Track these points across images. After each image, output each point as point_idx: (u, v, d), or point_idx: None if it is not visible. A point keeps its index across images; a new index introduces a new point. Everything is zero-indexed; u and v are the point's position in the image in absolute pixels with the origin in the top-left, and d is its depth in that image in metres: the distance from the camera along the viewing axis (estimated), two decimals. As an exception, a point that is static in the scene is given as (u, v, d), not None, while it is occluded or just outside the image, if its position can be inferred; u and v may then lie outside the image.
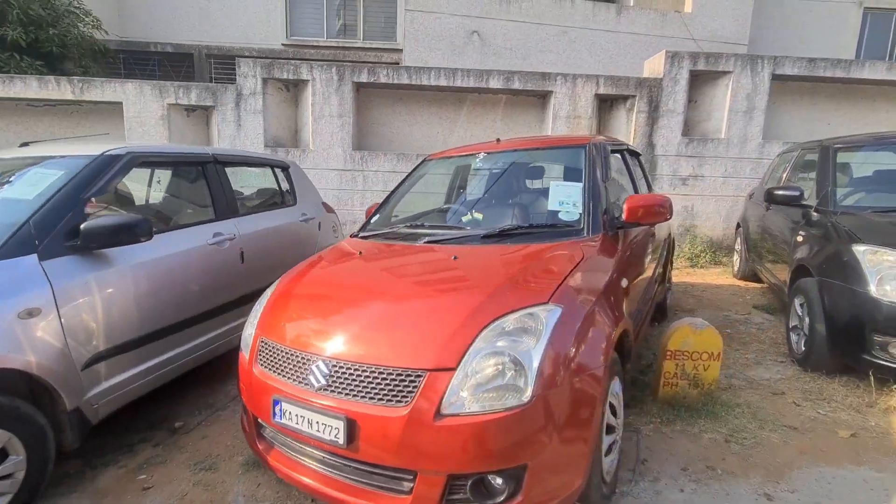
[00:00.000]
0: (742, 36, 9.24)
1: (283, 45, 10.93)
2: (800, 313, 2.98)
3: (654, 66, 6.39)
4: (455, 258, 1.93)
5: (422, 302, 1.72)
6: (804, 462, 1.98)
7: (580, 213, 2.11)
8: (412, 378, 1.39)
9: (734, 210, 6.43)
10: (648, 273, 2.70)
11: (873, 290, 2.37)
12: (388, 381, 1.42)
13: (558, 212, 2.15)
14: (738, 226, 5.40)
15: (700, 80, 6.49)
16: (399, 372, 1.41)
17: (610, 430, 1.70)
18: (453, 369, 1.37)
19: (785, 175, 4.18)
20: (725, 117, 6.27)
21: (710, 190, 6.40)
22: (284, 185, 3.83)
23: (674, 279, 5.33)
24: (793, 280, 3.20)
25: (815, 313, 2.72)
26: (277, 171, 3.81)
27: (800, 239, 3.18)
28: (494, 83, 6.18)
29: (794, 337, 3.08)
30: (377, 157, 6.27)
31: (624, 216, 2.14)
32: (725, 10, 9.10)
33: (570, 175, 2.36)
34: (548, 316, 1.47)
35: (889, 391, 2.44)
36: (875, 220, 2.75)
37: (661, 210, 2.14)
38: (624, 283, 2.00)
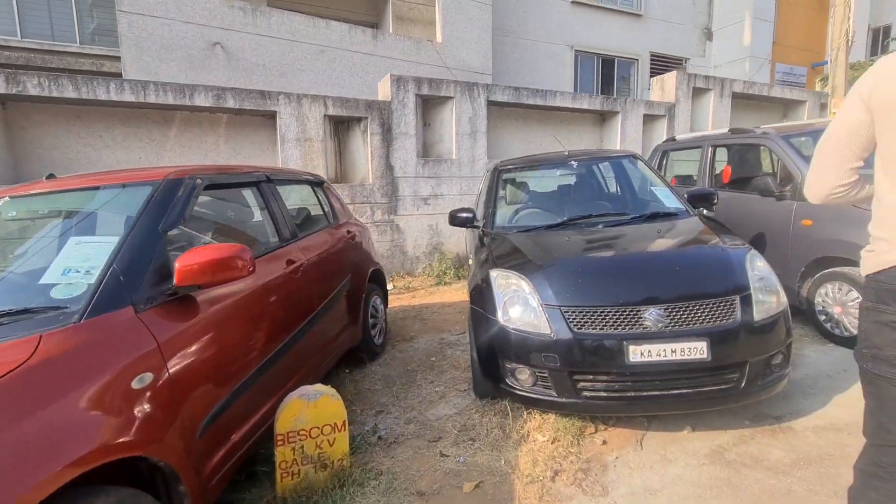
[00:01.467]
0: (486, 67, 10.28)
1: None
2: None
3: (384, 90, 6.39)
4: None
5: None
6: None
7: (88, 285, 1.47)
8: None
9: (473, 225, 6.85)
10: (285, 331, 2.23)
11: (500, 315, 2.35)
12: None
13: (54, 287, 1.47)
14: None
15: (430, 105, 6.76)
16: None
17: None
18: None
19: (481, 195, 4.39)
20: (454, 139, 6.64)
21: (450, 208, 6.65)
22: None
23: (415, 301, 5.25)
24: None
25: (471, 340, 2.66)
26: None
27: (472, 263, 3.20)
28: (202, 100, 5.27)
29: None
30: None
31: (175, 280, 1.58)
32: (469, 42, 9.99)
33: (106, 227, 1.72)
34: None
35: (523, 420, 2.47)
36: (515, 241, 2.85)
37: (230, 265, 1.65)
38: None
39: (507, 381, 2.34)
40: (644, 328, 2.10)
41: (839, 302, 3.17)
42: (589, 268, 2.37)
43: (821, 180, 1.30)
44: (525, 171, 3.73)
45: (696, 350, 2.05)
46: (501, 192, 3.47)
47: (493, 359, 2.40)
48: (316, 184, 3.39)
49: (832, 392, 2.58)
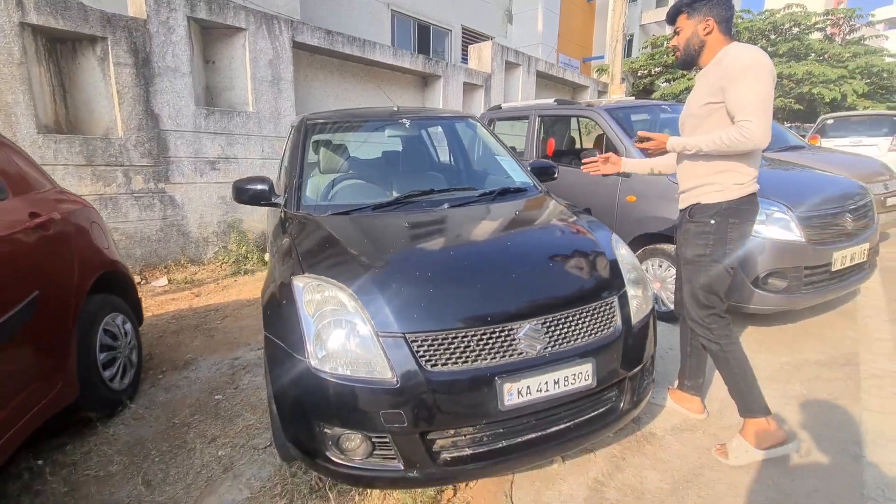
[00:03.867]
0: (294, 10, 8.53)
1: None
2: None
3: (137, 5, 4.47)
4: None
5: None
6: None
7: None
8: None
9: (281, 197, 5.58)
10: None
11: (311, 352, 1.47)
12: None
13: None
14: (273, 220, 4.45)
15: (215, 37, 5.10)
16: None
17: None
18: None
19: (283, 160, 3.28)
20: (250, 86, 5.16)
21: (249, 174, 5.25)
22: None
23: (198, 302, 3.87)
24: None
25: (268, 388, 1.72)
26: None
27: (269, 261, 2.18)
28: None
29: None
30: None
31: None
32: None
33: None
34: None
35: (354, 497, 1.70)
36: (331, 228, 1.95)
37: None
38: None
39: (325, 454, 1.50)
40: (519, 354, 1.50)
41: (659, 278, 3.24)
42: (440, 271, 1.65)
43: (768, 129, 1.65)
44: (342, 129, 2.79)
45: (582, 376, 1.56)
46: (312, 158, 2.48)
47: (303, 421, 1.52)
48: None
49: (669, 378, 2.51)
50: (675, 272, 3.00)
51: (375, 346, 1.45)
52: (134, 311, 2.63)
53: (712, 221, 1.84)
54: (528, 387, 1.48)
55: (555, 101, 4.22)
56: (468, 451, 1.50)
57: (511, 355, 1.50)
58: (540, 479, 1.81)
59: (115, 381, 2.29)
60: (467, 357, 1.46)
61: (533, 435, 1.57)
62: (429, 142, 2.93)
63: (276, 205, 2.37)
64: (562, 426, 1.61)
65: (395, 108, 2.78)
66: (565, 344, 1.57)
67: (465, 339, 1.47)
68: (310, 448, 1.54)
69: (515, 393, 1.46)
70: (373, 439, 1.46)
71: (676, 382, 2.28)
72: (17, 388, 1.64)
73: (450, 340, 1.46)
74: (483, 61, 8.65)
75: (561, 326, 1.58)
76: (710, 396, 2.35)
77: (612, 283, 1.78)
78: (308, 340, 1.50)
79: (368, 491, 1.72)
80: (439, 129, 2.89)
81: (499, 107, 5.06)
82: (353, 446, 1.48)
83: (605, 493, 1.74)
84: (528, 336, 1.52)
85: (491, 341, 1.49)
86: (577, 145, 5.43)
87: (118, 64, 4.20)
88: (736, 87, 1.67)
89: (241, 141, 5.14)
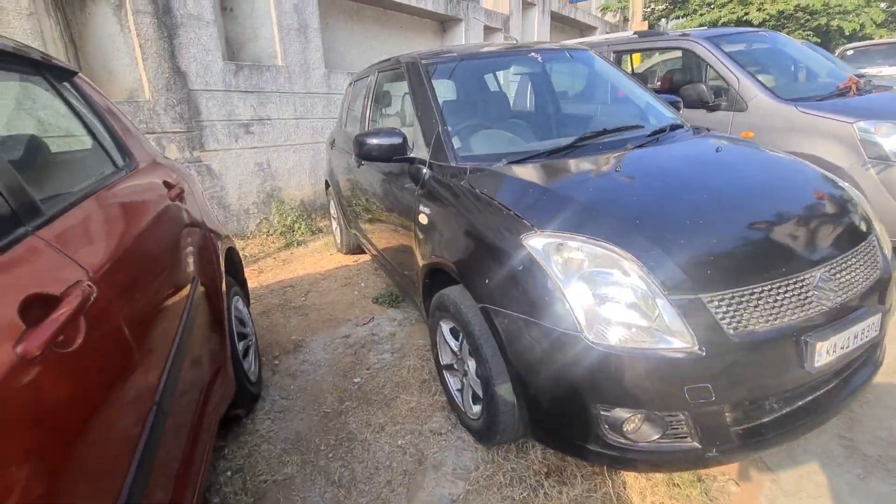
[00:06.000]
0: None
1: None
2: (455, 349, 1.76)
3: (145, -62, 3.82)
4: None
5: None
6: None
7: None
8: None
9: (318, 161, 5.14)
10: None
11: (582, 324, 1.22)
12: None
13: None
14: (328, 184, 4.06)
15: (229, -22, 4.48)
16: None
17: None
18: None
19: (367, 113, 2.89)
20: (277, 36, 4.61)
21: (283, 138, 4.80)
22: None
23: (266, 279, 3.55)
24: (430, 286, 1.95)
25: (488, 366, 1.47)
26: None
27: (423, 219, 1.88)
28: None
29: (454, 385, 1.87)
30: None
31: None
32: None
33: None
34: None
35: (593, 481, 1.50)
36: (535, 176, 1.66)
37: None
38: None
39: (605, 438, 1.28)
40: (818, 308, 1.29)
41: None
42: (709, 221, 1.39)
43: None
44: (464, 70, 2.40)
45: (873, 326, 1.36)
46: (442, 103, 2.12)
47: (572, 404, 1.29)
48: (53, 74, 1.42)
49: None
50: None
51: (668, 312, 1.21)
52: (245, 291, 2.32)
53: None
54: (835, 344, 1.27)
55: (634, 33, 3.85)
56: (766, 420, 1.31)
57: (809, 309, 1.28)
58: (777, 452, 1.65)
59: (250, 371, 2.01)
60: (769, 315, 1.24)
61: (820, 392, 1.38)
62: (560, 80, 2.57)
63: (410, 160, 2.05)
64: (841, 380, 1.43)
65: (515, 41, 2.40)
66: (852, 290, 1.35)
67: (764, 296, 1.24)
68: (576, 433, 1.32)
69: (825, 352, 1.25)
70: (666, 418, 1.24)
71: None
72: (204, 385, 1.36)
73: (747, 299, 1.23)
74: (500, 2, 8.04)
75: (846, 272, 1.36)
76: None
77: (866, 218, 1.57)
78: (574, 310, 1.24)
79: (618, 473, 1.53)
80: (569, 61, 2.52)
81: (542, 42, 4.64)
82: (638, 427, 1.27)
83: (860, 448, 1.59)
84: (821, 286, 1.30)
85: (789, 295, 1.26)
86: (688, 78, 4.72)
87: (137, 12, 3.62)
88: None
89: (274, 99, 4.64)
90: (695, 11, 11.03)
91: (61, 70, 1.42)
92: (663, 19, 12.32)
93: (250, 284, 3.44)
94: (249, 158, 4.52)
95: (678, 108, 2.50)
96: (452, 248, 1.66)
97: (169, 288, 1.26)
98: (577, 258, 1.30)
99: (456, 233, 1.66)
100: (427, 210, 1.85)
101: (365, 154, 2.01)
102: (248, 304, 2.37)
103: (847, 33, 9.58)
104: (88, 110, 1.50)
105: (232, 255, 2.09)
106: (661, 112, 2.28)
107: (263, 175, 4.67)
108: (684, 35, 3.45)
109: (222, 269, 1.75)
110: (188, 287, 1.37)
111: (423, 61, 2.25)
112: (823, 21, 9.92)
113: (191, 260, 1.44)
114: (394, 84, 2.77)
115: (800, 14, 10.24)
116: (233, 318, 1.86)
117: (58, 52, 3.43)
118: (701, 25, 10.56)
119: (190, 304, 1.33)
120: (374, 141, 1.99)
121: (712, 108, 3.26)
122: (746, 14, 9.80)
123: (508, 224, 1.45)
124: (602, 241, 1.30)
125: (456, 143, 1.93)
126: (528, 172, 1.69)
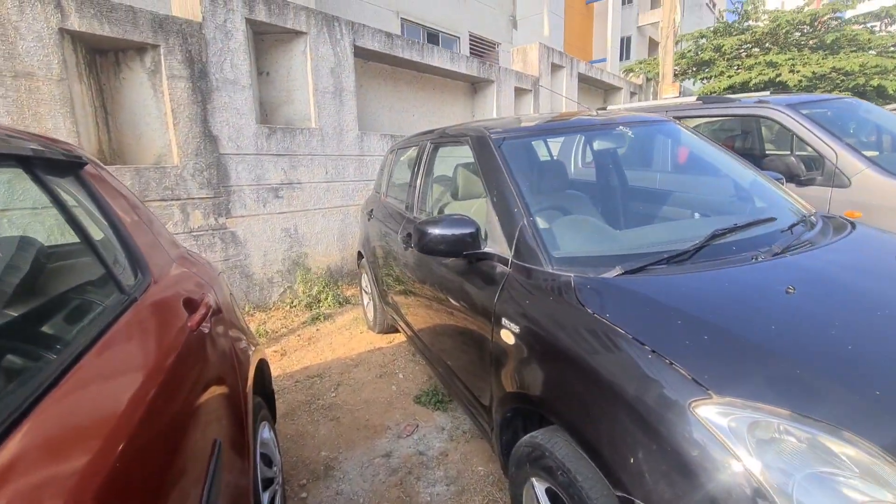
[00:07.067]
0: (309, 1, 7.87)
1: None
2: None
3: (187, 4, 3.76)
4: None
5: None
6: None
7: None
8: None
9: (347, 225, 4.85)
10: None
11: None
12: None
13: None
14: (360, 255, 3.71)
15: (269, 44, 4.40)
16: None
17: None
18: None
19: (417, 190, 2.55)
20: (312, 100, 4.46)
21: (313, 202, 4.53)
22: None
23: (290, 364, 3.11)
24: (507, 420, 1.50)
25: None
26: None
27: (508, 337, 1.45)
28: None
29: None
30: None
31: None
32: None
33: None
34: None
35: None
36: (667, 297, 1.23)
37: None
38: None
39: None
40: None
41: None
42: None
43: None
44: (551, 141, 2.06)
45: None
46: (521, 182, 1.76)
47: None
48: (56, 167, 1.09)
49: None
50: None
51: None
52: (270, 405, 1.88)
53: None
54: None
55: (698, 98, 3.56)
56: None
57: None
58: None
59: (275, 525, 1.54)
60: None
61: None
62: (650, 155, 2.23)
63: (484, 256, 1.67)
64: None
65: (595, 112, 2.08)
66: None
67: None
68: None
69: None
70: None
71: None
72: None
73: None
74: (529, 63, 8.04)
75: None
76: None
77: None
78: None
79: None
80: (655, 135, 2.18)
81: (603, 108, 4.39)
82: None
83: None
84: None
85: None
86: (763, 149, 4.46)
87: (172, 77, 3.47)
88: None
89: (305, 162, 4.42)
90: (721, 73, 11.01)
91: (64, 163, 1.09)
92: (687, 80, 12.35)
93: (276, 372, 3.01)
94: (277, 224, 4.24)
95: (782, 185, 2.12)
96: (562, 391, 1.23)
97: (179, 471, 0.84)
98: (790, 443, 0.85)
99: (564, 372, 1.23)
100: (515, 328, 1.43)
101: (427, 247, 1.64)
102: (275, 419, 1.93)
103: (891, 91, 9.37)
104: (95, 208, 1.15)
105: (262, 366, 1.68)
106: (777, 195, 1.89)
107: (290, 241, 4.37)
108: (762, 102, 3.13)
109: (250, 406, 1.33)
110: (208, 460, 0.95)
111: (493, 134, 1.92)
112: (861, 81, 9.74)
113: (211, 418, 1.03)
114: (447, 157, 2.46)
115: (833, 75, 10.12)
116: (258, 462, 1.41)
117: (86, 118, 3.25)
118: (729, 88, 10.49)
119: (210, 485, 0.91)
120: (436, 231, 1.62)
121: (803, 183, 2.88)
122: (779, 76, 9.69)
123: (661, 375, 1.01)
124: (809, 415, 0.85)
125: (548, 239, 1.54)
126: (661, 290, 1.27)
